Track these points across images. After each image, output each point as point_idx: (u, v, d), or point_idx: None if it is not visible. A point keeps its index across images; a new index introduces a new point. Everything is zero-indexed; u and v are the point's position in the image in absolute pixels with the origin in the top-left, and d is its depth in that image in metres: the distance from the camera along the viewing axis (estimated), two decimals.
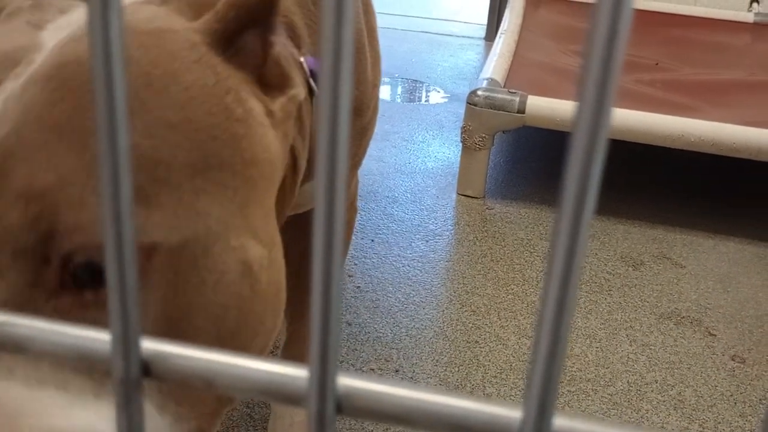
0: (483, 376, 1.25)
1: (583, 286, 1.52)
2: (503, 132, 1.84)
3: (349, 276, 1.49)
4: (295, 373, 0.20)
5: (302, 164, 0.68)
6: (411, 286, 1.47)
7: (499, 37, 2.20)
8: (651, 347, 1.36)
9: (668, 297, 1.50)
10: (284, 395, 0.20)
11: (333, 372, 0.19)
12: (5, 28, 0.52)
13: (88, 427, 0.44)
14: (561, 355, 0.19)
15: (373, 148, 2.02)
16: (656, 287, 1.53)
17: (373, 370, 1.25)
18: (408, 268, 1.53)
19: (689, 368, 1.31)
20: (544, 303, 0.19)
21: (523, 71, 1.97)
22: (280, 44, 0.57)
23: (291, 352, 1.06)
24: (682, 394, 1.25)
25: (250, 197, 0.52)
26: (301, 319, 1.06)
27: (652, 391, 1.25)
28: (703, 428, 1.18)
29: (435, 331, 1.35)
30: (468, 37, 3.11)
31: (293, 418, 1.03)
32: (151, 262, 0.46)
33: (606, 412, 1.20)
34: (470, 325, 1.37)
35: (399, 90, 2.50)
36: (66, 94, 0.46)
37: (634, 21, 2.31)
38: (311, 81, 0.67)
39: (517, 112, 1.74)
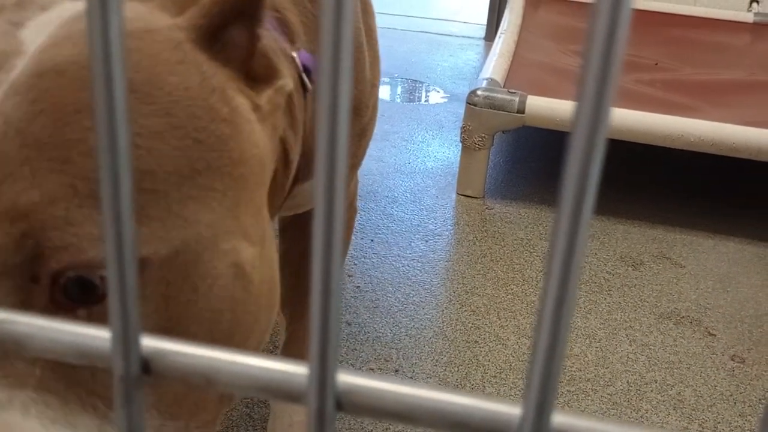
0: (482, 376, 1.25)
1: (582, 286, 1.52)
2: (503, 132, 1.84)
3: (349, 276, 1.49)
4: (295, 370, 0.20)
5: (294, 158, 0.67)
6: (410, 286, 1.47)
7: (499, 37, 2.20)
8: (651, 347, 1.36)
9: (668, 297, 1.50)
10: (284, 392, 0.20)
11: (333, 369, 0.19)
12: None
13: None
14: (560, 353, 0.19)
15: (373, 148, 2.02)
16: (656, 287, 1.53)
17: (372, 369, 1.25)
18: (408, 268, 1.53)
19: (689, 368, 1.31)
20: (544, 300, 0.19)
21: (522, 71, 1.97)
22: (267, 37, 0.56)
23: (290, 352, 1.06)
24: (681, 393, 1.25)
25: (240, 197, 0.51)
26: (300, 320, 1.06)
27: (651, 390, 1.25)
28: (703, 428, 1.19)
29: (434, 331, 1.35)
30: (468, 37, 3.11)
31: (292, 417, 1.03)
32: (143, 276, 0.45)
33: (606, 412, 1.20)
34: (470, 324, 1.38)
35: (399, 90, 2.50)
36: (45, 107, 0.45)
37: (634, 21, 2.31)
38: (304, 76, 0.66)
39: (517, 112, 1.74)
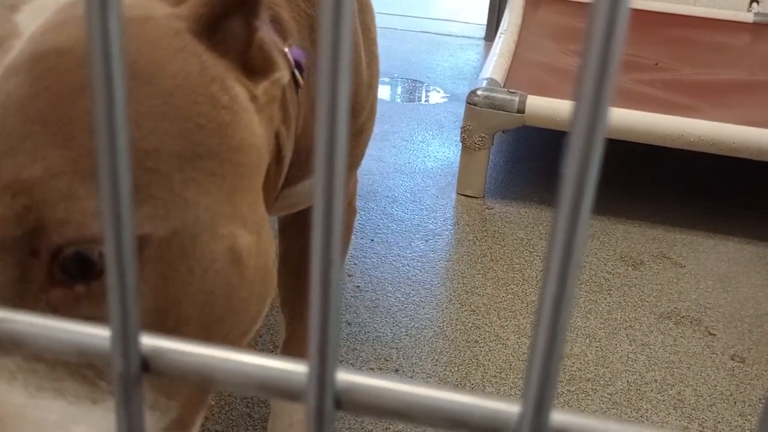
0: (482, 376, 1.25)
1: (582, 285, 1.52)
2: (503, 132, 1.84)
3: (349, 276, 1.49)
4: (294, 368, 0.20)
5: (287, 153, 0.68)
6: (411, 285, 1.47)
7: (499, 37, 2.20)
8: (651, 347, 1.36)
9: (668, 297, 1.50)
10: (283, 391, 0.20)
11: (332, 367, 0.19)
12: None
13: None
14: (559, 351, 0.19)
15: (373, 148, 2.02)
16: (656, 287, 1.53)
17: (372, 369, 1.25)
18: (408, 267, 1.53)
19: (689, 368, 1.31)
20: (542, 302, 0.19)
21: (522, 71, 1.97)
22: (264, 30, 0.57)
23: (290, 352, 1.06)
24: (681, 393, 1.25)
25: (238, 184, 0.52)
26: (300, 319, 1.06)
27: (651, 390, 1.25)
28: (703, 428, 1.19)
29: (434, 331, 1.35)
30: (468, 37, 3.11)
31: (292, 417, 1.03)
32: (142, 253, 0.46)
33: (606, 412, 1.20)
34: (470, 324, 1.38)
35: (399, 90, 2.50)
36: (48, 84, 0.46)
37: (634, 21, 2.31)
38: (296, 72, 0.67)
39: (517, 112, 1.74)
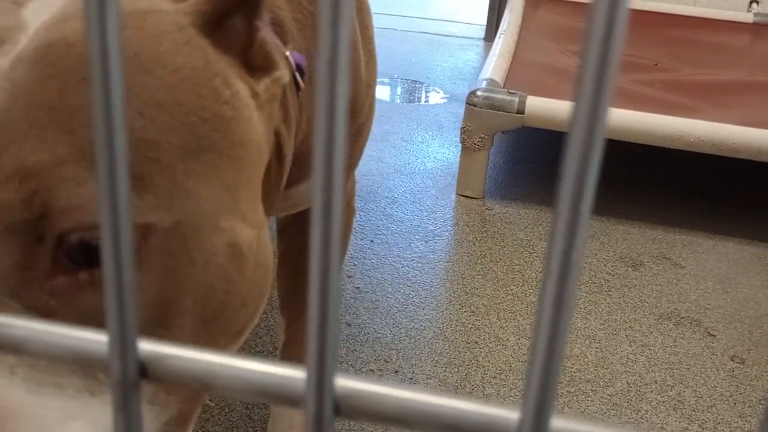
0: (482, 377, 1.25)
1: (582, 286, 1.51)
2: (503, 132, 1.84)
3: (349, 277, 1.49)
4: (293, 374, 0.20)
5: (287, 153, 0.68)
6: (410, 286, 1.47)
7: (499, 38, 2.20)
8: (650, 348, 1.36)
9: (668, 297, 1.50)
10: (282, 397, 0.20)
11: (331, 373, 0.19)
12: None
13: None
14: (559, 357, 0.19)
15: (373, 149, 2.02)
16: (656, 288, 1.53)
17: (372, 370, 1.25)
18: (407, 268, 1.53)
19: (689, 369, 1.31)
20: (542, 304, 0.19)
21: (522, 72, 1.97)
22: (265, 29, 0.57)
23: (290, 353, 1.06)
24: (681, 394, 1.25)
25: (239, 179, 0.53)
26: (300, 320, 1.06)
27: (651, 391, 1.25)
28: (703, 429, 1.18)
29: (434, 332, 1.35)
30: (467, 37, 3.11)
31: (292, 419, 1.03)
32: (147, 243, 0.46)
33: (605, 413, 1.20)
34: (470, 325, 1.37)
35: (398, 90, 2.50)
36: (56, 74, 0.46)
37: (633, 21, 2.31)
38: (296, 75, 0.67)
39: (517, 113, 1.74)
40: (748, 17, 2.51)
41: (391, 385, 0.19)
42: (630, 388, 1.25)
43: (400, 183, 1.87)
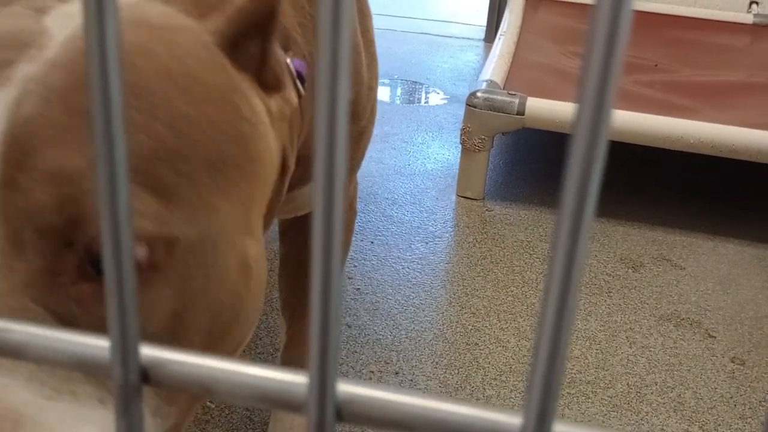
0: (483, 379, 1.25)
1: (582, 287, 1.51)
2: (503, 134, 1.84)
3: (349, 278, 1.49)
4: (295, 379, 0.20)
5: (290, 165, 0.69)
6: (411, 288, 1.47)
7: (499, 39, 2.20)
8: (651, 349, 1.36)
9: (668, 299, 1.50)
10: (284, 402, 0.20)
11: (333, 379, 0.19)
12: (5, 10, 0.52)
13: None
14: (561, 361, 0.19)
15: (373, 150, 2.02)
16: (656, 289, 1.53)
17: (372, 372, 1.25)
18: (408, 270, 1.53)
19: (689, 370, 1.31)
20: (545, 308, 0.19)
21: (522, 73, 1.97)
22: (277, 50, 0.58)
23: (291, 354, 1.06)
24: (681, 396, 1.25)
25: (253, 195, 0.54)
26: (300, 322, 1.06)
27: (651, 393, 1.25)
28: (703, 430, 1.18)
29: (435, 334, 1.35)
30: (467, 38, 3.11)
31: (293, 421, 1.03)
32: (171, 256, 0.47)
33: (606, 415, 1.20)
34: (470, 327, 1.37)
35: (398, 91, 2.50)
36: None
37: (634, 22, 2.31)
38: (298, 83, 0.68)
39: (517, 114, 1.74)
40: (748, 18, 2.52)
41: (392, 391, 0.19)
42: (630, 390, 1.25)
43: (401, 184, 1.87)
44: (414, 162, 1.99)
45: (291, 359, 1.06)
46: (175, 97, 0.49)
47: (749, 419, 1.21)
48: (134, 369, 0.20)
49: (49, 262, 0.45)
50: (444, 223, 1.72)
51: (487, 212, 1.78)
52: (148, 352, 0.20)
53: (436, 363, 1.28)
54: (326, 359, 0.19)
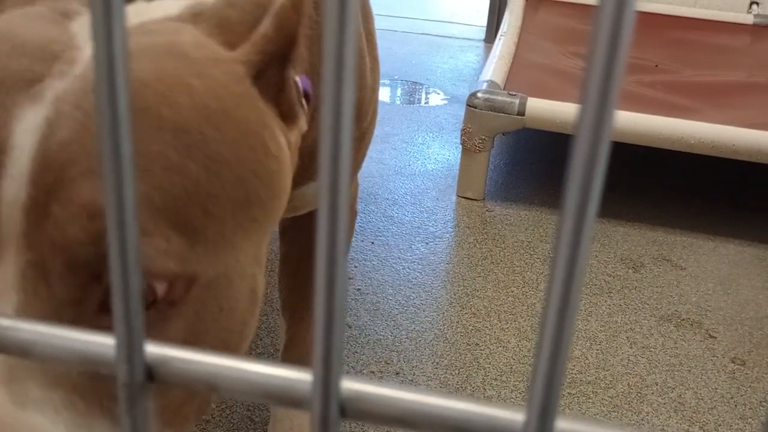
0: (483, 379, 1.25)
1: (583, 288, 1.52)
2: (503, 134, 1.84)
3: (350, 278, 1.49)
4: (299, 376, 0.20)
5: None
6: (411, 288, 1.47)
7: (499, 39, 2.20)
8: (651, 349, 1.36)
9: (668, 299, 1.50)
10: (288, 399, 0.20)
11: (337, 375, 0.19)
12: (30, 11, 0.52)
13: None
14: (563, 358, 0.19)
15: (373, 150, 2.02)
16: (656, 289, 1.53)
17: (373, 372, 1.25)
18: (408, 270, 1.53)
19: (689, 370, 1.31)
20: (547, 307, 0.19)
21: (522, 73, 1.97)
22: (292, 74, 0.58)
23: (291, 355, 1.06)
24: (682, 396, 1.25)
25: (268, 227, 0.54)
26: (300, 322, 1.06)
27: (652, 393, 1.25)
28: (704, 430, 1.19)
29: (435, 334, 1.35)
30: (467, 39, 3.11)
31: (293, 421, 1.03)
32: (189, 293, 0.47)
33: (606, 415, 1.20)
34: (470, 327, 1.38)
35: (399, 92, 2.50)
36: (132, 114, 0.46)
37: (635, 23, 2.31)
38: (303, 101, 0.68)
39: (517, 114, 1.74)
40: (749, 18, 2.52)
41: (396, 387, 0.20)
42: (631, 390, 1.26)
43: (401, 185, 1.87)
44: (414, 162, 1.99)
45: (291, 359, 1.06)
46: (211, 136, 0.48)
47: (750, 419, 1.21)
48: (139, 367, 0.20)
49: (74, 292, 0.45)
50: (444, 223, 1.72)
51: (487, 213, 1.78)
52: (153, 350, 0.21)
53: (437, 363, 1.28)
54: (330, 356, 0.19)
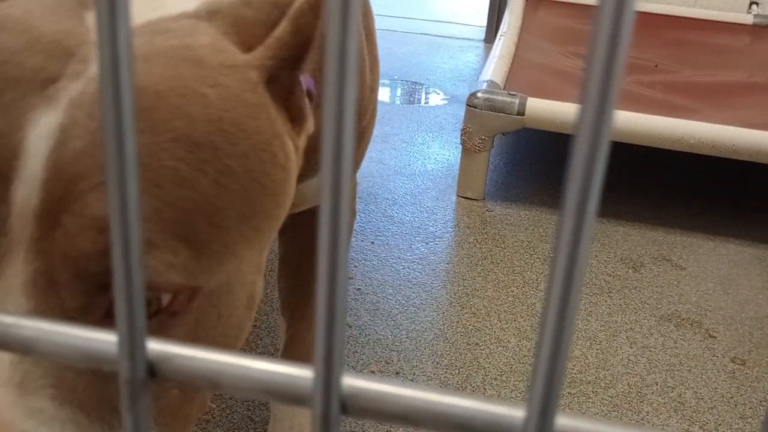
0: (483, 379, 1.25)
1: (583, 288, 1.52)
2: (503, 134, 1.84)
3: (350, 278, 1.49)
4: (300, 373, 0.20)
5: None
6: (411, 288, 1.47)
7: (499, 39, 2.20)
8: (651, 349, 1.36)
9: (668, 299, 1.50)
10: (289, 396, 0.20)
11: (338, 372, 0.19)
12: None
13: None
14: (563, 358, 0.19)
15: (373, 150, 2.02)
16: (656, 289, 1.53)
17: (373, 372, 1.25)
18: (408, 270, 1.53)
19: (689, 370, 1.31)
20: (547, 307, 0.19)
21: (522, 73, 1.97)
22: (300, 77, 0.58)
23: (291, 354, 1.06)
24: (682, 396, 1.25)
25: (270, 236, 0.54)
26: (300, 321, 1.06)
27: (652, 393, 1.25)
28: (704, 430, 1.19)
29: (435, 334, 1.35)
30: (467, 39, 3.11)
31: (292, 420, 1.03)
32: (191, 303, 0.48)
33: (606, 415, 1.20)
34: (470, 327, 1.38)
35: (399, 92, 2.50)
36: (144, 127, 0.46)
37: (634, 23, 2.31)
38: (306, 100, 0.68)
39: (517, 114, 1.74)
40: (748, 18, 2.52)
41: (397, 384, 0.20)
42: (631, 390, 1.26)
43: (401, 185, 1.87)
44: (414, 162, 1.99)
45: (291, 359, 1.06)
46: (223, 150, 0.48)
47: (750, 419, 1.22)
48: (141, 363, 0.20)
49: (81, 301, 0.45)
50: (444, 223, 1.72)
51: (487, 212, 1.78)
52: (155, 346, 0.21)
53: (437, 363, 1.28)
54: (331, 353, 0.19)
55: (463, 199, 1.83)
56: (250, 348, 1.29)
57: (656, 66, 2.14)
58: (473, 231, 1.69)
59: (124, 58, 0.19)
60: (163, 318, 0.47)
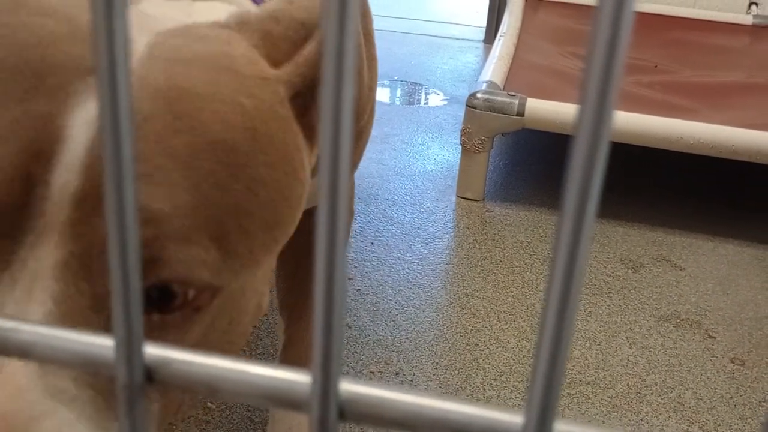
0: (483, 379, 1.25)
1: (582, 288, 1.52)
2: (502, 134, 1.84)
3: (349, 279, 1.49)
4: (298, 378, 0.20)
5: None
6: (411, 288, 1.47)
7: (498, 40, 2.20)
8: (650, 350, 1.36)
9: (668, 299, 1.50)
10: (287, 401, 0.20)
11: (336, 378, 0.19)
12: None
13: None
14: (563, 358, 0.19)
15: (373, 151, 2.02)
16: (656, 289, 1.53)
17: (373, 373, 1.25)
18: (408, 270, 1.53)
19: (689, 371, 1.31)
20: (547, 307, 0.19)
21: (522, 74, 1.97)
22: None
23: (290, 354, 1.06)
24: (681, 396, 1.25)
25: (281, 246, 0.55)
26: (298, 322, 1.06)
27: (651, 393, 1.25)
28: (703, 431, 1.19)
29: (435, 334, 1.35)
30: (467, 39, 3.11)
31: (291, 422, 1.03)
32: (212, 302, 0.49)
33: (606, 415, 1.20)
34: (470, 327, 1.38)
35: (398, 93, 2.50)
36: (187, 128, 0.47)
37: (634, 23, 2.31)
38: None
39: (517, 115, 1.74)
40: (748, 19, 2.52)
41: (395, 390, 0.20)
42: (630, 390, 1.26)
43: (401, 185, 1.87)
44: (414, 163, 1.99)
45: (290, 359, 1.06)
46: (256, 159, 0.50)
47: (749, 419, 1.21)
48: (138, 368, 0.20)
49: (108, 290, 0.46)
50: (444, 224, 1.72)
51: (487, 213, 1.78)
52: (153, 351, 0.21)
53: (437, 364, 1.28)
54: (329, 358, 0.19)
55: (462, 199, 1.83)
56: (250, 348, 1.29)
57: (656, 66, 2.14)
58: (473, 231, 1.69)
59: (120, 60, 0.19)
60: (187, 312, 0.48)
